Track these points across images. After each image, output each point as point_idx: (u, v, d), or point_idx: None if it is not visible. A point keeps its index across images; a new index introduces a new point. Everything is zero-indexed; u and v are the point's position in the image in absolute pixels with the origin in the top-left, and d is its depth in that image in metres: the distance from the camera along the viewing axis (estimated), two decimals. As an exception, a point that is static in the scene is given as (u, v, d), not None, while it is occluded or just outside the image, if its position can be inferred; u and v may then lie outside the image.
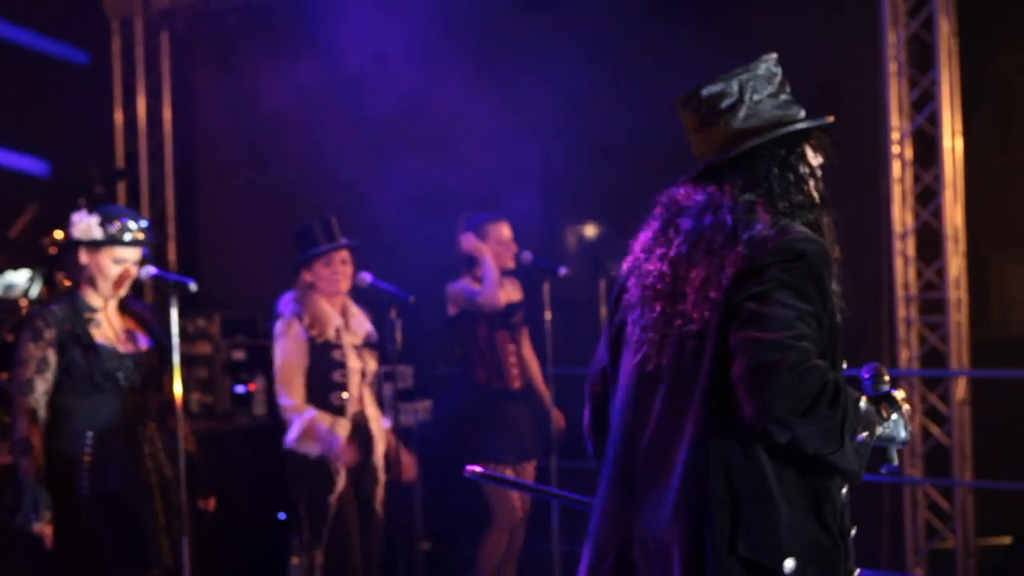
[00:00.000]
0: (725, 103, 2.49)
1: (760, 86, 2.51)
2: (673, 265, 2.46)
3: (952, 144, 7.08)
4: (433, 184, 7.27)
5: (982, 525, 6.82)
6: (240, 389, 6.55)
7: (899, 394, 2.42)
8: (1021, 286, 14.37)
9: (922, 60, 7.14)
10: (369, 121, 7.89)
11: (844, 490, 2.40)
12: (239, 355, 6.63)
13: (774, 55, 2.58)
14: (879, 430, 2.34)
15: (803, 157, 2.51)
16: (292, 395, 4.84)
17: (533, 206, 8.16)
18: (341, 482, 4.88)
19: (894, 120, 7.10)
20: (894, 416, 2.39)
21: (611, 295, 2.66)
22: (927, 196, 7.09)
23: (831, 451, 2.26)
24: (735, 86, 2.50)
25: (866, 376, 2.46)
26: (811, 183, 2.50)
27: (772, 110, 2.50)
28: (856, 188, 7.85)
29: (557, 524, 5.76)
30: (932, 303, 7.01)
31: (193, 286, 4.27)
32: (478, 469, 3.11)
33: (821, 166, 2.54)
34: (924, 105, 7.10)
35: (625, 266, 2.62)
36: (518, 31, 7.90)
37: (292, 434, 4.84)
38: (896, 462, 2.45)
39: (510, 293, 5.70)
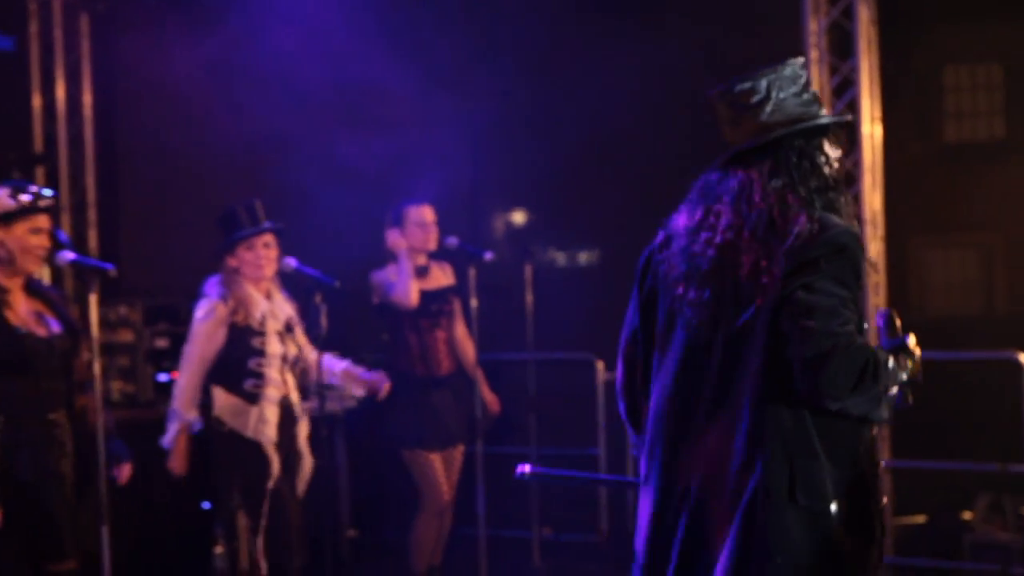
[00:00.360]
0: (755, 99, 2.80)
1: (785, 85, 2.83)
2: (720, 250, 2.77)
3: (871, 131, 7.19)
4: (362, 170, 7.24)
5: (900, 505, 6.97)
6: (163, 377, 6.48)
7: (911, 340, 2.77)
8: (938, 270, 14.67)
9: (842, 48, 7.24)
10: (298, 103, 7.83)
11: (874, 431, 2.80)
12: (162, 343, 6.56)
13: (801, 59, 2.89)
14: (902, 377, 2.72)
15: (821, 148, 2.83)
16: (186, 390, 4.84)
17: (461, 192, 8.16)
18: (276, 467, 4.86)
19: (815, 107, 7.20)
20: (910, 364, 2.75)
21: (640, 265, 2.94)
22: (847, 182, 7.19)
23: (872, 411, 2.66)
24: (763, 84, 2.81)
25: (880, 324, 2.82)
26: (828, 171, 2.83)
27: (796, 107, 2.82)
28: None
29: (483, 509, 5.79)
30: (852, 286, 7.11)
31: (113, 271, 4.21)
32: (527, 469, 3.26)
33: (838, 158, 2.86)
34: (844, 92, 7.20)
35: (660, 241, 2.92)
36: (450, 15, 7.89)
37: (167, 435, 4.87)
38: (911, 400, 2.76)
39: (440, 278, 5.70)
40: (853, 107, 7.16)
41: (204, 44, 7.21)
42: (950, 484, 6.86)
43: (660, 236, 2.93)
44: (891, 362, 2.68)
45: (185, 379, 4.89)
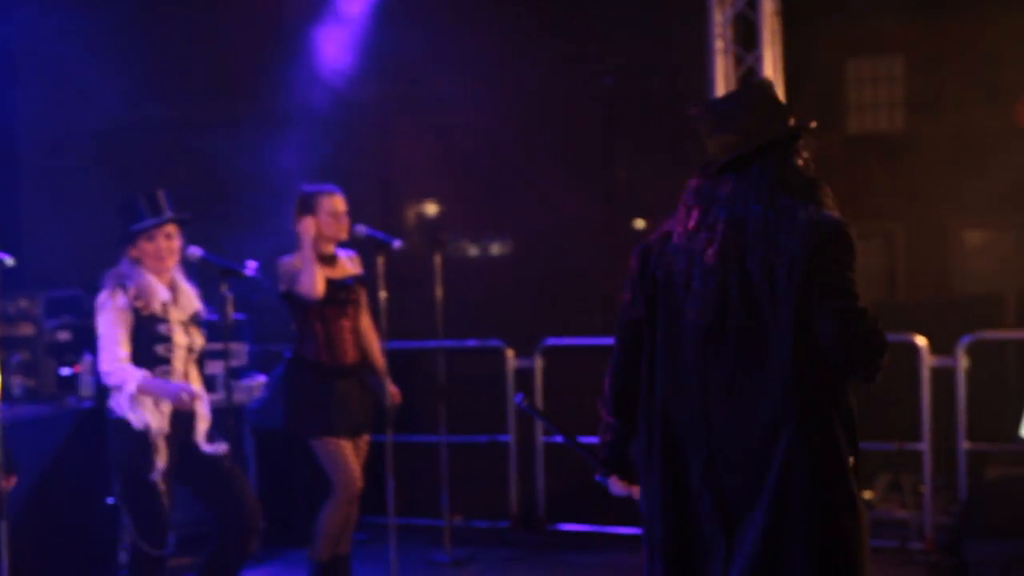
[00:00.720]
0: (732, 115, 3.15)
1: (757, 101, 3.19)
2: (722, 247, 3.08)
3: (775, 119, 7.31)
4: (273, 157, 7.18)
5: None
6: (65, 371, 6.36)
7: None
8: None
9: (747, 38, 7.34)
10: (203, 91, 7.74)
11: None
12: (64, 336, 6.43)
13: (768, 79, 3.31)
14: None
15: (797, 151, 3.19)
16: (117, 360, 4.73)
17: (370, 181, 8.11)
18: (162, 459, 4.79)
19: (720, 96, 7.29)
20: None
21: (637, 260, 3.24)
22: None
23: (874, 376, 3.01)
24: (739, 102, 3.18)
25: None
26: (806, 170, 3.18)
27: (769, 119, 3.17)
28: (683, 162, 8.06)
29: (392, 498, 5.77)
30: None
31: (9, 261, 4.12)
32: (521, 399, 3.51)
33: (810, 156, 3.21)
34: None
35: (658, 239, 3.23)
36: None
37: (124, 397, 4.73)
38: None
39: (347, 267, 5.66)
40: (757, 96, 7.28)
41: (104, 32, 7.09)
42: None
43: (657, 235, 3.24)
44: None
45: (109, 351, 4.76)
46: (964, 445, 6.15)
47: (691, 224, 3.15)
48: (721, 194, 3.12)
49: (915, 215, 11.31)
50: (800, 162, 3.17)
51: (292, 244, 5.46)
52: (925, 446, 6.17)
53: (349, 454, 5.42)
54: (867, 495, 6.85)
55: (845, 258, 3.02)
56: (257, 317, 6.90)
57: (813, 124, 3.25)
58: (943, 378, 6.19)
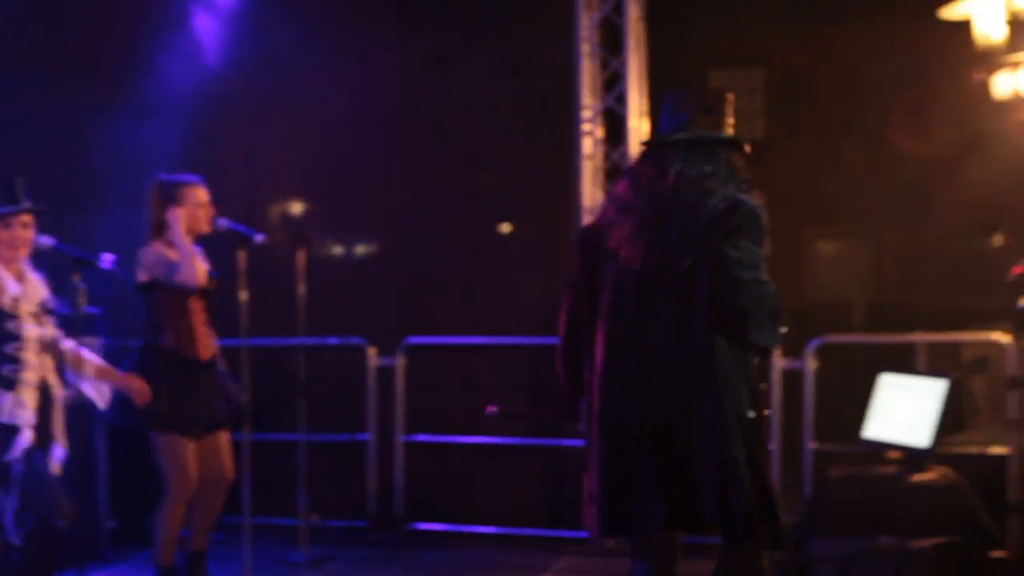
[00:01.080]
0: (704, 105, 3.71)
1: (723, 108, 3.74)
2: (654, 221, 3.58)
3: (638, 124, 7.43)
4: (134, 149, 7.03)
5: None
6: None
7: None
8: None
9: (612, 43, 7.45)
10: (71, 80, 7.53)
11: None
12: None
13: (731, 95, 3.80)
14: None
15: (738, 154, 3.71)
16: None
17: (233, 176, 8.00)
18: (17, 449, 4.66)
19: (586, 99, 7.38)
20: None
21: (578, 240, 3.76)
22: (615, 173, 7.42)
23: (772, 343, 3.55)
24: (713, 101, 3.74)
25: None
26: (742, 173, 3.67)
27: (714, 128, 3.70)
28: (549, 164, 8.14)
29: (248, 496, 5.69)
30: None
31: None
32: (494, 409, 4.03)
33: (746, 161, 3.73)
34: (614, 86, 7.42)
35: (597, 219, 3.76)
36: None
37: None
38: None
39: (203, 261, 5.58)
40: (621, 101, 7.39)
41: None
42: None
43: (598, 215, 3.75)
44: None
45: None
46: (810, 445, 6.35)
47: (628, 202, 3.65)
48: (666, 168, 3.63)
49: (771, 224, 11.61)
50: (739, 162, 3.68)
51: (143, 233, 5.36)
52: (773, 446, 6.34)
53: (190, 454, 5.32)
54: None
55: (755, 236, 3.48)
56: (112, 310, 6.74)
57: (747, 148, 3.77)
58: (793, 380, 6.38)
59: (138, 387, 5.14)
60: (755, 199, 3.57)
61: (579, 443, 3.87)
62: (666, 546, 3.74)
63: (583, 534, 7.08)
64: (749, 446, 3.53)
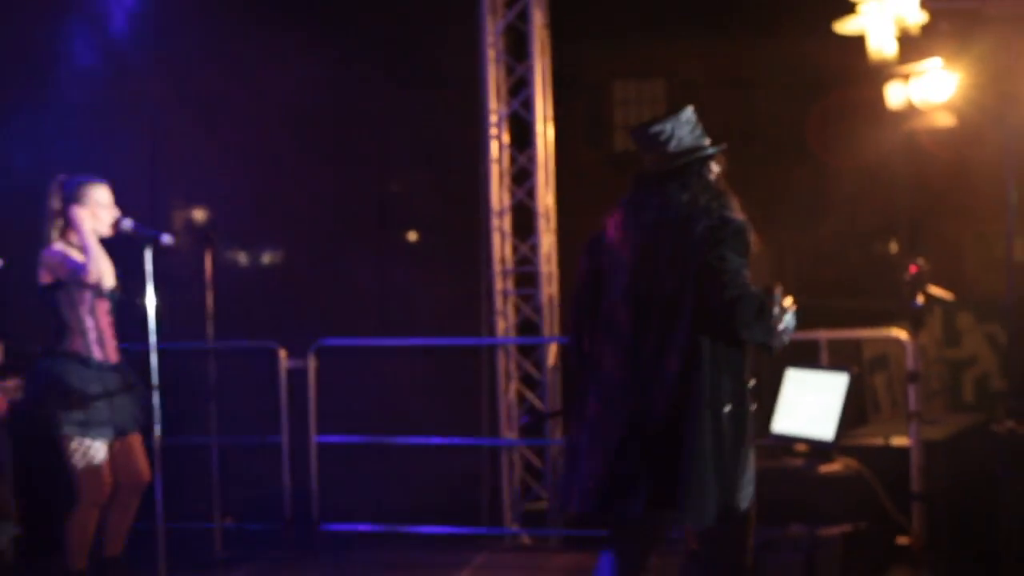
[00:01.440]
0: (663, 137, 4.02)
1: (682, 126, 4.05)
2: (652, 241, 3.95)
3: (544, 129, 7.53)
4: (38, 152, 6.92)
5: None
6: None
7: (787, 300, 3.97)
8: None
9: (518, 49, 7.55)
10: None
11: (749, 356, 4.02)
12: None
13: (691, 107, 4.08)
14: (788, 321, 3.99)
15: (711, 168, 4.06)
16: None
17: (137, 180, 7.91)
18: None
19: (492, 104, 7.46)
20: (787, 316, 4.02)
21: (589, 245, 4.10)
22: (522, 176, 7.51)
23: (767, 339, 3.88)
24: (669, 126, 4.03)
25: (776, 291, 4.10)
26: (717, 183, 4.04)
27: (691, 141, 4.04)
28: (458, 168, 8.20)
29: (161, 500, 5.62)
30: (526, 277, 7.43)
31: None
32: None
33: (722, 172, 4.09)
34: (519, 91, 7.52)
35: (605, 231, 4.06)
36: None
37: None
38: (786, 340, 4.01)
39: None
40: (527, 106, 7.49)
41: None
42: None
43: (605, 227, 4.06)
44: (776, 309, 3.88)
45: None
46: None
47: (627, 223, 4.00)
48: (651, 201, 3.98)
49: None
50: (713, 176, 4.03)
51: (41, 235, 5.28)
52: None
53: (104, 457, 5.24)
54: None
55: (739, 249, 3.85)
56: (4, 314, 6.62)
57: (723, 145, 4.07)
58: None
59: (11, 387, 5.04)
60: (737, 214, 3.96)
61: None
62: (644, 536, 4.06)
63: (501, 531, 7.16)
64: (720, 438, 3.85)
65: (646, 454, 3.88)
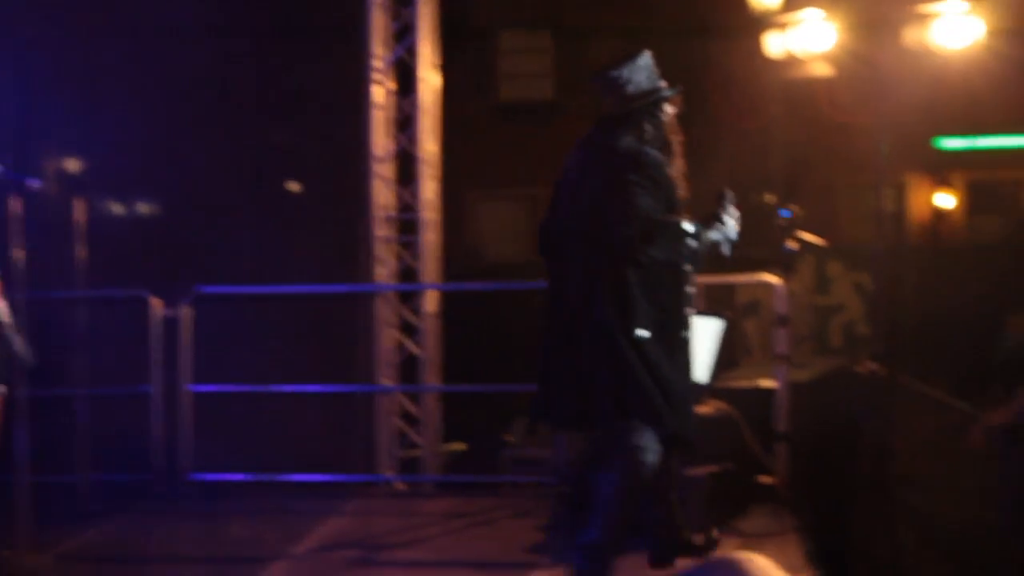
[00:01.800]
0: (620, 81, 4.32)
1: (639, 71, 4.35)
2: (576, 180, 4.32)
3: (428, 75, 7.46)
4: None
5: (446, 433, 7.37)
6: None
7: (730, 212, 4.38)
8: (491, 221, 15.44)
9: (404, -7, 7.44)
10: None
11: (687, 287, 4.37)
12: None
13: (649, 52, 4.38)
14: (712, 236, 4.35)
15: (663, 111, 4.38)
16: None
17: (4, 129, 7.70)
18: None
19: (376, 49, 7.36)
20: (724, 227, 4.39)
21: (556, 184, 4.43)
22: (406, 124, 7.44)
23: (671, 258, 4.19)
24: (625, 72, 4.32)
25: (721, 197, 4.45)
26: (665, 127, 4.36)
27: (648, 85, 4.34)
28: (341, 114, 8.09)
29: (25, 453, 5.48)
30: (407, 223, 7.39)
31: None
32: None
33: (675, 114, 4.41)
34: (404, 37, 7.43)
35: (565, 168, 4.42)
36: None
37: None
38: (728, 254, 4.44)
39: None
40: (412, 52, 7.40)
41: None
42: (492, 409, 7.38)
43: (565, 166, 4.40)
44: (693, 226, 4.21)
45: None
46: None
47: (580, 159, 4.32)
48: (600, 142, 4.27)
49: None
50: (665, 117, 4.33)
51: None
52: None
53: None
54: (507, 437, 7.22)
55: (645, 180, 4.11)
56: None
57: (680, 87, 4.35)
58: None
59: None
60: (673, 153, 4.32)
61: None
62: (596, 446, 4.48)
63: (375, 477, 7.14)
64: (645, 358, 4.16)
65: (575, 374, 4.23)
